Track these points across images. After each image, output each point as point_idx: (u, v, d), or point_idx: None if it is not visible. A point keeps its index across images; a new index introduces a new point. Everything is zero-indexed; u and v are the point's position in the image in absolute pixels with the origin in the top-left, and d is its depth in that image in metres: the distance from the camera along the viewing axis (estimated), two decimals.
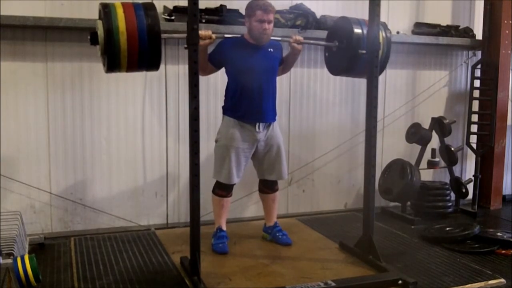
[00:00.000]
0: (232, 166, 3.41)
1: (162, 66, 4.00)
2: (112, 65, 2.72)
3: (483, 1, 4.95)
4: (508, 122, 5.08)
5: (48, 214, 3.92)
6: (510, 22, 4.79)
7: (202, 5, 3.64)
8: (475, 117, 4.98)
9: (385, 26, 3.41)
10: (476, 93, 5.00)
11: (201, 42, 3.02)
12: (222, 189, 3.51)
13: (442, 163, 4.82)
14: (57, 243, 3.77)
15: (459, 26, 5.01)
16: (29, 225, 3.76)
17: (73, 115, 3.89)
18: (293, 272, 3.16)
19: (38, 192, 3.85)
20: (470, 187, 4.87)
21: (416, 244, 3.84)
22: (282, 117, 4.49)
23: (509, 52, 4.85)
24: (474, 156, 4.99)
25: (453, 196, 4.79)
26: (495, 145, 4.87)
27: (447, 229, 4.04)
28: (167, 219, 4.25)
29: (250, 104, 3.39)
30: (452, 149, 4.75)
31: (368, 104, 3.27)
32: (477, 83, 5.02)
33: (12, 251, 2.81)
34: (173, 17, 3.85)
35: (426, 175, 4.89)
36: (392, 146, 4.88)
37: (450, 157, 4.76)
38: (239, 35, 3.51)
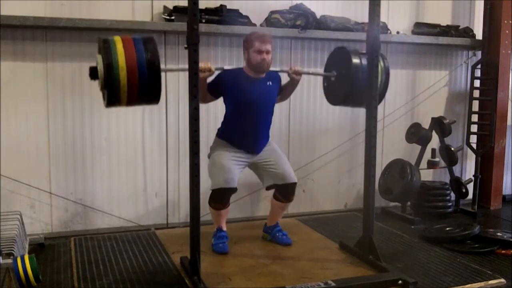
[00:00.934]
0: (226, 170, 3.35)
1: (162, 66, 4.03)
2: (112, 100, 2.73)
3: (483, 1, 4.96)
4: (508, 122, 5.08)
5: (48, 214, 3.92)
6: (510, 22, 4.79)
7: (202, 5, 3.65)
8: (475, 117, 4.98)
9: (383, 57, 3.41)
10: (476, 93, 5.01)
11: (201, 75, 3.03)
12: (218, 202, 3.42)
13: (442, 163, 4.82)
14: (57, 243, 3.77)
15: (459, 26, 5.01)
16: (29, 225, 3.76)
17: (73, 115, 3.89)
18: (293, 272, 3.16)
19: (38, 192, 3.85)
20: (470, 187, 4.87)
21: (416, 244, 3.84)
22: (282, 117, 4.49)
23: (509, 52, 4.85)
24: (474, 156, 5.00)
25: (453, 196, 4.79)
26: (495, 145, 4.87)
27: (447, 229, 4.04)
28: (167, 219, 4.25)
29: (244, 137, 3.43)
30: (452, 149, 4.75)
31: (368, 104, 3.27)
32: (477, 83, 5.02)
33: (12, 251, 2.81)
34: (173, 17, 3.86)
35: (426, 175, 4.89)
36: (392, 146, 4.88)
37: (450, 157, 4.76)
38: (238, 68, 3.49)
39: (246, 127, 3.41)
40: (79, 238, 3.83)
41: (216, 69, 3.27)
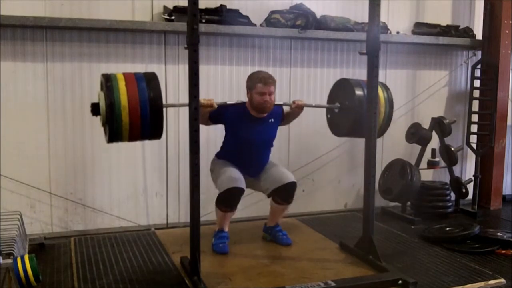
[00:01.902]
0: (232, 173, 3.37)
1: (162, 66, 4.05)
2: (114, 137, 2.76)
3: (483, 1, 4.95)
4: (508, 122, 5.08)
5: (48, 214, 3.92)
6: (510, 22, 4.79)
7: (202, 5, 3.65)
8: (475, 117, 4.98)
9: (386, 87, 3.44)
10: (476, 93, 5.00)
11: (203, 110, 3.05)
12: (227, 204, 3.39)
13: (442, 163, 4.82)
14: (57, 243, 3.77)
15: (459, 26, 5.01)
16: (29, 225, 3.76)
17: (73, 115, 3.89)
18: (293, 272, 3.15)
19: (38, 192, 3.85)
20: (470, 187, 4.87)
21: (416, 244, 3.84)
22: None
23: (509, 52, 4.85)
24: (474, 156, 4.99)
25: (453, 196, 4.79)
26: (495, 145, 4.87)
27: (447, 229, 4.04)
28: (167, 219, 4.25)
29: (243, 165, 3.48)
30: (452, 149, 4.74)
31: (368, 104, 3.27)
32: (477, 83, 5.02)
33: (12, 251, 2.80)
34: (173, 17, 3.86)
35: (426, 175, 4.89)
36: (392, 146, 4.88)
37: (450, 157, 4.76)
38: (241, 103, 3.48)
39: (245, 159, 3.48)
40: (79, 238, 3.83)
41: (219, 104, 3.28)
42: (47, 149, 3.85)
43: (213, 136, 3.96)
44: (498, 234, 3.93)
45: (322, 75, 4.58)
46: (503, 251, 3.63)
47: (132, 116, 2.66)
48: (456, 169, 5.04)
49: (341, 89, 3.51)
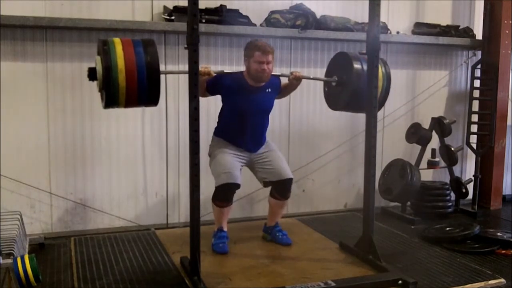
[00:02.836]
0: (229, 167, 3.38)
1: (162, 66, 4.03)
2: (110, 102, 2.73)
3: (483, 1, 4.95)
4: (508, 122, 5.08)
5: (48, 214, 3.92)
6: (510, 22, 4.79)
7: (202, 5, 3.65)
8: (475, 117, 4.98)
9: (384, 62, 3.42)
10: (476, 93, 5.01)
11: (201, 79, 3.04)
12: (223, 198, 3.43)
13: (442, 163, 4.82)
14: (57, 243, 3.77)
15: (459, 26, 5.01)
16: (29, 225, 3.76)
17: (73, 115, 3.89)
18: (293, 272, 3.15)
19: (38, 192, 3.85)
20: (470, 187, 4.87)
21: (416, 244, 3.84)
22: (282, 117, 4.49)
23: (509, 52, 4.85)
24: (474, 156, 4.99)
25: (453, 196, 4.79)
26: (495, 145, 4.87)
27: (447, 229, 4.04)
28: (167, 219, 4.25)
29: (241, 137, 3.47)
30: (452, 149, 4.74)
31: (368, 104, 3.27)
32: (477, 83, 5.02)
33: (12, 251, 2.81)
34: (173, 17, 3.86)
35: (426, 175, 4.89)
36: (392, 146, 4.88)
37: (450, 157, 4.76)
38: (239, 72, 3.47)
39: (242, 130, 3.45)
40: (79, 238, 3.83)
41: (216, 72, 3.27)
42: (47, 149, 3.85)
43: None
44: (498, 234, 3.93)
45: (322, 75, 4.56)
46: (503, 251, 3.63)
47: (129, 80, 2.64)
48: (456, 169, 5.04)
49: (339, 62, 3.48)
